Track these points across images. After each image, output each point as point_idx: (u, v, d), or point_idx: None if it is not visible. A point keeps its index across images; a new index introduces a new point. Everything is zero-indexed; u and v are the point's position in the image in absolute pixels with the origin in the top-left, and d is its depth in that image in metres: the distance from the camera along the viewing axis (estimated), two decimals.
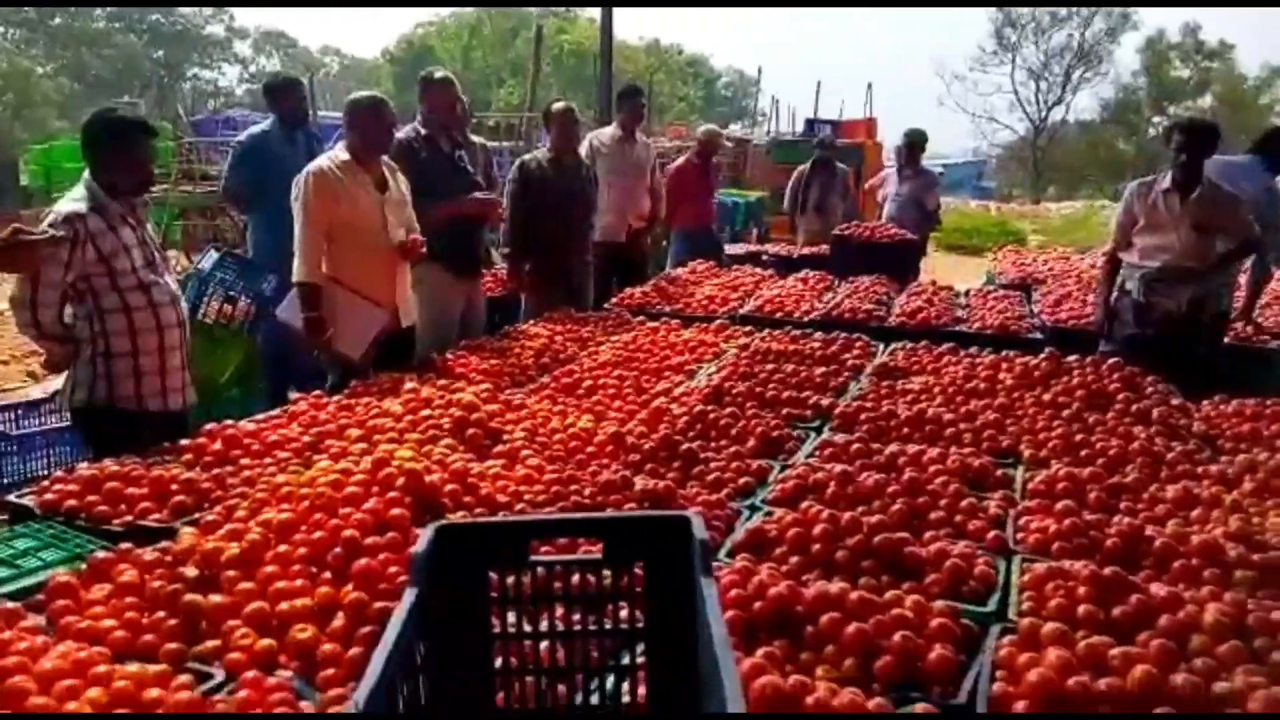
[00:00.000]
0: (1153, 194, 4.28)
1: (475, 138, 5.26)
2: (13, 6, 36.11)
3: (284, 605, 1.76)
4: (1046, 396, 3.28)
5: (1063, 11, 36.51)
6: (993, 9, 37.37)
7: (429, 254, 4.09)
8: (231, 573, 1.88)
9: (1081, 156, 36.49)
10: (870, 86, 18.56)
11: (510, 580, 1.34)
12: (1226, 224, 4.19)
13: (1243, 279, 4.94)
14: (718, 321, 4.69)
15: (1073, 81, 37.66)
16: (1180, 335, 4.18)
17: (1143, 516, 2.35)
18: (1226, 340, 4.64)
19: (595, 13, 10.18)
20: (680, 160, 7.74)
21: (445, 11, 44.01)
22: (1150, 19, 36.02)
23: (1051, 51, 37.47)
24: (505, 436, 2.82)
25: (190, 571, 1.89)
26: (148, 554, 2.00)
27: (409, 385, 3.24)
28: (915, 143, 7.53)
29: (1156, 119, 35.32)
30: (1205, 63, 36.16)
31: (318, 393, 3.34)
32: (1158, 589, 1.87)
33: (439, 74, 4.71)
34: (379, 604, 1.73)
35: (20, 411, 4.64)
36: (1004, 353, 3.84)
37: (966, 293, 5.67)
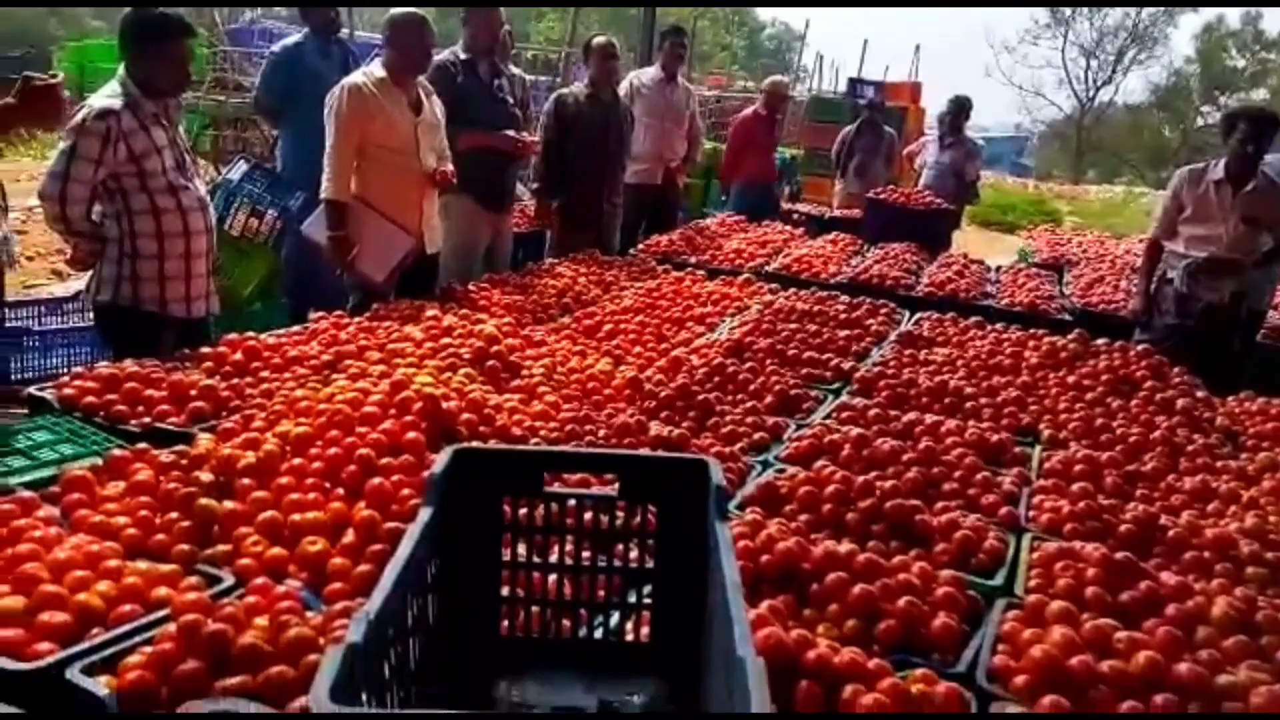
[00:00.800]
0: (1204, 183, 4.17)
1: (514, 69, 5.17)
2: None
3: (296, 517, 1.77)
4: (1071, 378, 3.24)
5: None
6: None
7: (458, 184, 4.06)
8: (246, 481, 1.89)
9: (1125, 140, 35.70)
10: (918, 49, 18.11)
11: (524, 510, 1.34)
12: (1276, 219, 4.09)
13: None
14: (743, 276, 4.64)
15: (1124, 62, 36.71)
16: (1219, 328, 4.11)
17: (1158, 505, 2.33)
18: (1260, 339, 4.57)
19: None
20: (747, 111, 7.61)
21: None
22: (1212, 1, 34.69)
23: (1106, 29, 36.48)
24: (524, 371, 2.82)
25: (205, 476, 1.90)
26: (164, 456, 2.01)
27: (430, 313, 3.23)
28: (961, 110, 7.35)
29: (1206, 108, 34.45)
30: (1263, 54, 35.13)
31: (339, 312, 3.34)
32: (1168, 577, 1.86)
33: None
34: (390, 524, 1.74)
35: (44, 308, 4.68)
36: (1031, 330, 3.79)
37: (998, 269, 5.59)
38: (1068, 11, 36.33)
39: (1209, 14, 34.84)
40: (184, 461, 1.98)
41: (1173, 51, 36.65)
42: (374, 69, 3.82)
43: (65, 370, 3.89)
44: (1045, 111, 38.91)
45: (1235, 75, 35.11)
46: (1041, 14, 36.95)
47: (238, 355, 2.73)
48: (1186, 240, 4.21)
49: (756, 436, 2.56)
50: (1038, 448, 2.71)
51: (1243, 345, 4.26)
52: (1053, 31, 37.10)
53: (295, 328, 3.21)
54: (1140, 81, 37.03)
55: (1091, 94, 37.33)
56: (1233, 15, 34.85)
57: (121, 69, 3.04)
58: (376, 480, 1.85)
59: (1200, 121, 33.62)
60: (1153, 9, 35.25)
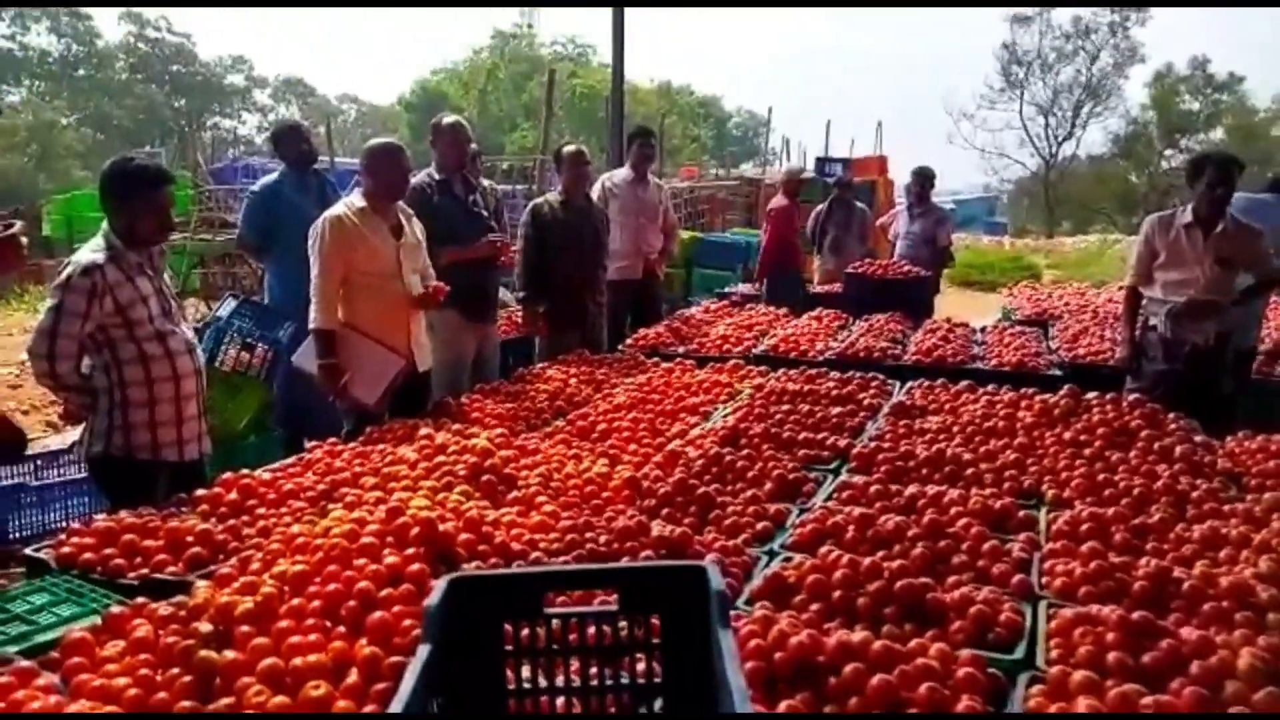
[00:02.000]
0: (1174, 228, 4.25)
1: (485, 181, 5.31)
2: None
3: (297, 661, 1.73)
4: (1067, 435, 3.24)
5: (1068, 47, 36.76)
6: (999, 48, 37.63)
7: (441, 299, 4.12)
8: (245, 628, 1.86)
9: (1093, 190, 36.48)
10: (880, 125, 18.73)
11: (525, 633, 1.32)
12: (1250, 258, 4.16)
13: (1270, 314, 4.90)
14: (732, 361, 4.68)
15: (1082, 116, 37.80)
16: (1208, 370, 4.13)
17: (1170, 557, 2.30)
18: (1253, 376, 4.59)
19: (608, 56, 10.31)
20: (778, 203, 7.83)
21: (460, 57, 44.86)
22: (1158, 53, 36.02)
23: (1059, 87, 37.68)
24: (520, 482, 2.80)
25: (204, 627, 1.87)
26: (162, 609, 1.98)
27: (424, 431, 3.24)
28: (925, 180, 7.55)
29: (1168, 151, 35.32)
30: (1215, 95, 36.22)
31: (333, 440, 3.34)
32: (1188, 633, 1.82)
33: (448, 119, 4.77)
34: (393, 658, 1.71)
35: (40, 462, 4.67)
36: (1022, 390, 3.80)
37: (983, 329, 5.64)
38: (1020, 73, 37.57)
39: (1157, 62, 36.06)
40: (182, 613, 1.95)
41: (1128, 101, 37.67)
42: (354, 199, 3.93)
43: (64, 524, 3.88)
44: (1012, 170, 39.89)
45: (1191, 118, 36.12)
46: (995, 79, 38.20)
47: (233, 494, 2.71)
48: (1164, 285, 4.26)
49: (760, 526, 2.54)
50: (1043, 509, 2.69)
51: (1235, 385, 4.27)
52: (1008, 94, 38.30)
53: (290, 459, 3.20)
54: (1100, 133, 37.83)
55: (1054, 150, 38.32)
56: (1180, 61, 36.08)
57: (105, 222, 3.11)
58: (377, 614, 1.83)
59: (1164, 165, 34.42)
60: (1101, 65, 36.48)
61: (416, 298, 3.93)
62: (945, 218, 7.61)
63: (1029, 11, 36.46)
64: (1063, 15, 36.33)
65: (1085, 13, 35.91)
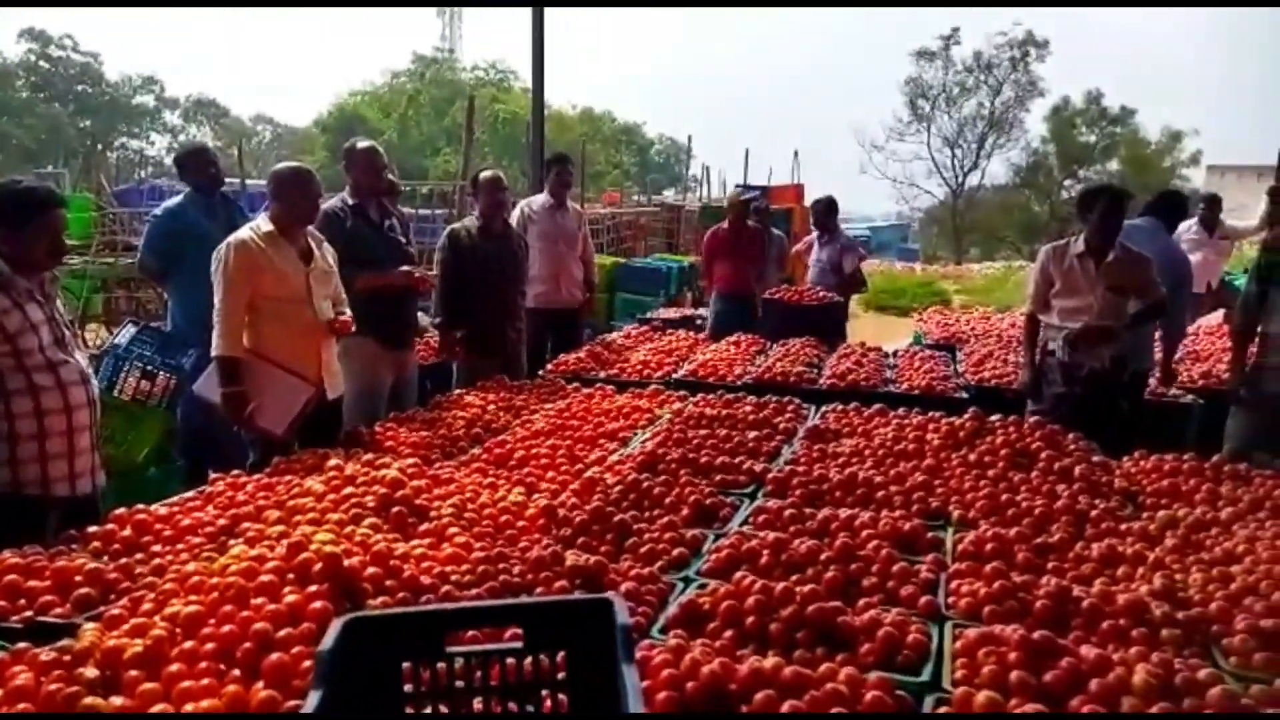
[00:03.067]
0: (1067, 258, 4.43)
1: (401, 208, 5.24)
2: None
3: (189, 706, 1.65)
4: (972, 456, 3.33)
5: (970, 81, 38.24)
6: (903, 83, 38.93)
7: (357, 326, 4.03)
8: (134, 672, 1.76)
9: (998, 219, 37.90)
10: (796, 154, 19.17)
11: (426, 674, 1.28)
12: (1139, 285, 4.35)
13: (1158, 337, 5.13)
14: (652, 387, 4.68)
15: (986, 148, 39.29)
16: (1106, 392, 4.30)
17: (1070, 575, 2.37)
18: (1147, 397, 4.79)
19: (529, 81, 10.31)
20: (719, 226, 7.81)
21: (379, 80, 44.32)
22: (1056, 87, 37.63)
23: (964, 120, 39.11)
24: (432, 513, 2.74)
25: (90, 672, 1.76)
26: (45, 654, 1.87)
27: (333, 462, 3.15)
28: (829, 209, 7.72)
29: (1068, 181, 36.94)
30: (1110, 128, 38.10)
31: (237, 471, 3.22)
32: (1087, 651, 1.88)
33: (363, 144, 4.70)
34: (292, 702, 1.64)
35: None
36: (930, 413, 3.90)
37: (894, 353, 5.78)
38: (926, 107, 38.92)
39: (1055, 96, 37.76)
40: (67, 658, 1.84)
41: (1029, 133, 39.35)
42: (261, 223, 3.82)
43: None
44: (922, 199, 41.17)
45: (1088, 150, 37.89)
46: (904, 112, 39.48)
47: (127, 531, 2.59)
48: (1060, 312, 4.44)
49: (675, 553, 2.53)
50: (950, 530, 2.75)
51: (1131, 406, 4.46)
52: (916, 127, 39.61)
53: (191, 492, 3.07)
54: (1003, 165, 39.31)
55: (961, 179, 39.73)
56: (1076, 95, 37.84)
57: None
58: (275, 656, 1.75)
59: (1064, 195, 35.95)
60: (1004, 98, 38.04)
61: (326, 322, 3.84)
62: (850, 244, 7.79)
63: (932, 47, 37.90)
64: (964, 51, 37.90)
65: (986, 48, 37.52)
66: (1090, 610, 2.12)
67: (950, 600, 2.22)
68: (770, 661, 1.81)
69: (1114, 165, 36.94)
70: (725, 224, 7.49)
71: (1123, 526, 2.73)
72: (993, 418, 3.71)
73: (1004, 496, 2.94)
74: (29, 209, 2.91)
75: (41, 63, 41.37)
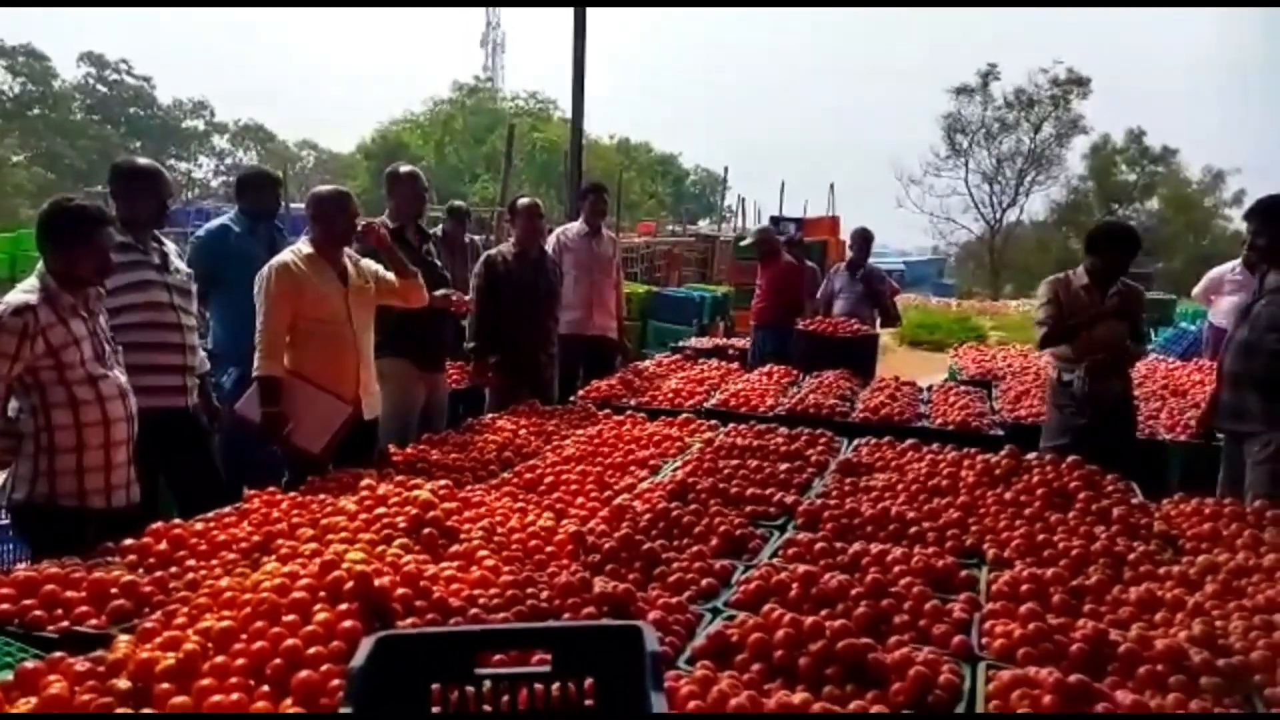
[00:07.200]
0: (1072, 289, 4.46)
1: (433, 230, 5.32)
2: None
3: None
4: (1008, 495, 3.28)
5: (1010, 117, 38.04)
6: (941, 117, 38.82)
7: (392, 348, 4.09)
8: (165, 685, 1.78)
9: (1036, 256, 37.54)
10: (832, 187, 19.20)
11: (454, 695, 1.28)
12: (1136, 312, 4.46)
13: None
14: (683, 415, 4.68)
15: (1025, 184, 39.03)
16: (1120, 422, 4.37)
17: (1107, 619, 2.32)
18: (1184, 439, 4.71)
19: (568, 111, 10.45)
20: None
21: (420, 108, 45.06)
22: (1098, 124, 37.34)
23: (1003, 155, 38.90)
24: (463, 535, 2.75)
25: (122, 684, 1.79)
26: (79, 664, 1.89)
27: (365, 482, 3.17)
28: (864, 242, 7.73)
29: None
30: (1151, 166, 37.72)
31: (272, 488, 3.25)
32: (1123, 696, 1.84)
33: (405, 169, 4.79)
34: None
35: None
36: (965, 449, 3.85)
37: (929, 388, 5.73)
38: (964, 143, 38.76)
39: (1096, 135, 37.49)
40: (100, 669, 1.87)
41: (1069, 171, 39.07)
42: (301, 245, 3.90)
43: None
44: (958, 234, 40.92)
45: (1128, 188, 37.52)
46: (941, 147, 39.34)
47: (163, 545, 2.62)
48: (1074, 343, 4.43)
49: (704, 583, 2.51)
50: (984, 569, 2.71)
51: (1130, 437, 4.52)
52: (953, 162, 39.46)
53: (227, 508, 3.11)
54: (1042, 201, 39.00)
55: (999, 215, 39.45)
56: (1117, 133, 37.55)
57: (40, 263, 3.04)
58: (304, 673, 1.76)
59: None
60: (1044, 135, 37.81)
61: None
62: (884, 276, 7.79)
63: (971, 83, 37.81)
64: (1005, 85, 37.78)
65: (1027, 85, 37.36)
66: (1127, 655, 2.07)
67: (984, 640, 2.18)
68: (799, 697, 1.79)
69: (1154, 204, 36.54)
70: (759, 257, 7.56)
71: (1161, 570, 2.67)
72: (1029, 455, 3.65)
73: (1040, 536, 2.89)
74: (78, 226, 2.99)
75: (98, 86, 42.64)
